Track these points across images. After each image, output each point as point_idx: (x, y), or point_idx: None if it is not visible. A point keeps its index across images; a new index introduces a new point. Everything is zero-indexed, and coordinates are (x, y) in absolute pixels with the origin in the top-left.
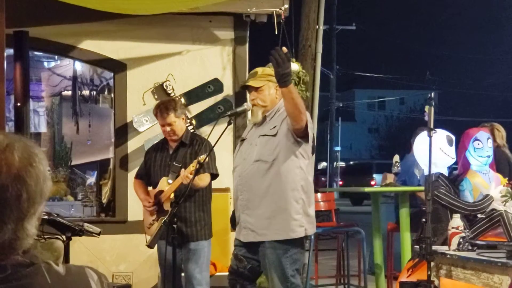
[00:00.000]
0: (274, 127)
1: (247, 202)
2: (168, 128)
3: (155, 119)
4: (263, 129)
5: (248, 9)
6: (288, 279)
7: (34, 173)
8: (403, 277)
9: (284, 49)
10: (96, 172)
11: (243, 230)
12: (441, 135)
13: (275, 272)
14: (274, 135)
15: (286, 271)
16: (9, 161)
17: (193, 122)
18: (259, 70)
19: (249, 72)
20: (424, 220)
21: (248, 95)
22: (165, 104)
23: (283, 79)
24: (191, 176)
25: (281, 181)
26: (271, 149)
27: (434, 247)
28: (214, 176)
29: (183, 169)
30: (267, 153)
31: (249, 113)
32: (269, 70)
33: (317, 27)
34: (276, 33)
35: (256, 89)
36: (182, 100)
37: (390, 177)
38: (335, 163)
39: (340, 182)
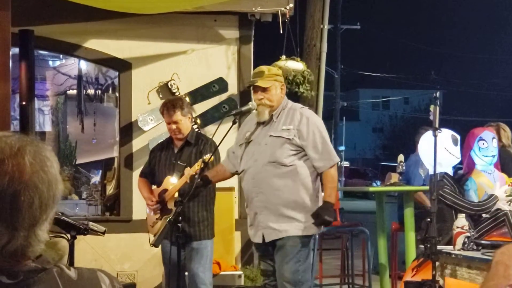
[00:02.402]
0: (288, 130)
1: (264, 203)
2: (173, 126)
3: (160, 118)
4: (271, 129)
5: (253, 9)
6: (298, 272)
7: (46, 178)
8: (408, 277)
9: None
10: (100, 171)
11: (264, 230)
12: (446, 135)
13: (288, 264)
14: (290, 139)
15: (299, 265)
16: (20, 167)
17: (198, 121)
18: (265, 69)
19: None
20: (429, 219)
21: (252, 93)
22: (172, 102)
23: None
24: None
25: (298, 182)
26: (287, 152)
27: (439, 247)
28: None
29: (187, 168)
30: (283, 156)
31: (253, 112)
32: (275, 69)
33: (321, 26)
34: (281, 32)
35: (264, 89)
36: (187, 99)
37: (395, 177)
38: (339, 162)
39: None
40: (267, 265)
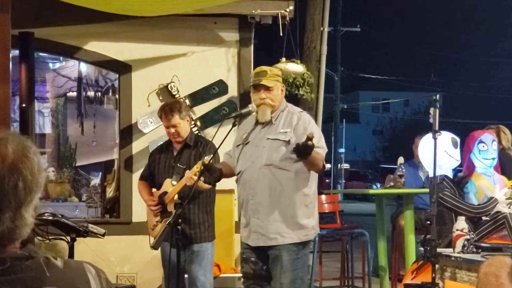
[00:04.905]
0: (286, 133)
1: (257, 206)
2: (172, 130)
3: (160, 121)
4: (270, 131)
5: (253, 11)
6: (297, 280)
7: (29, 163)
8: (408, 279)
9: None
10: (100, 173)
11: (253, 234)
12: (446, 137)
13: (285, 273)
14: (287, 142)
15: (297, 273)
16: (3, 153)
17: (198, 123)
18: (267, 69)
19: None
20: (429, 222)
21: (252, 92)
22: (170, 106)
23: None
24: (195, 178)
25: (293, 186)
26: (283, 155)
27: (438, 250)
28: None
29: (187, 171)
30: (280, 159)
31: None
32: (276, 70)
33: (321, 28)
34: (281, 34)
35: (267, 88)
36: (187, 101)
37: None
38: (339, 164)
39: None
40: (248, 268)
